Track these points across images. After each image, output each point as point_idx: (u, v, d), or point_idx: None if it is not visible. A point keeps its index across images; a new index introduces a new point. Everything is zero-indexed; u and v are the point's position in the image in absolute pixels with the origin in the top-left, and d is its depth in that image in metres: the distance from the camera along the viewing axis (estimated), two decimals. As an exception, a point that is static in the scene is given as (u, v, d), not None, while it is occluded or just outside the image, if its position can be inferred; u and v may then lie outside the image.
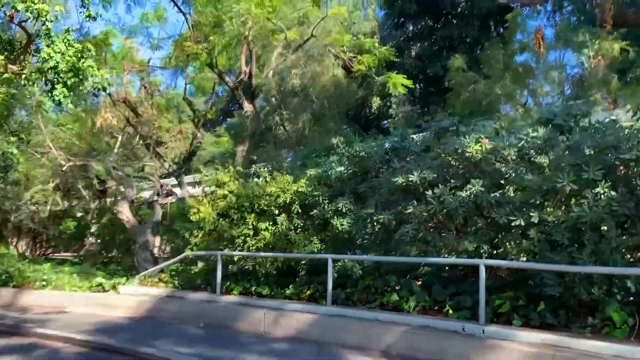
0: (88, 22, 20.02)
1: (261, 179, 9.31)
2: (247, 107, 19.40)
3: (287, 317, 6.82)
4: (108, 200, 15.38)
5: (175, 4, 18.98)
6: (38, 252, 20.58)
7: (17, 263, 11.90)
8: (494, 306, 5.77)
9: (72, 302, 9.30)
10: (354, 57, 15.85)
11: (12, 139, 15.00)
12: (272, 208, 7.94)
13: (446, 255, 6.60)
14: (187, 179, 16.83)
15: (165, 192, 14.37)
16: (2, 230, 17.60)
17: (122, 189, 13.39)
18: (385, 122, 28.15)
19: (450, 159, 6.23)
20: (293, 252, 7.66)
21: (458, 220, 5.93)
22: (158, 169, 18.14)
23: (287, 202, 7.83)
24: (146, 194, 16.73)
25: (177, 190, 16.27)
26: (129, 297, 8.88)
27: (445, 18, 27.80)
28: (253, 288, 8.08)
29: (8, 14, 15.45)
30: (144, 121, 19.17)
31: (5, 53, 16.75)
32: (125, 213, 12.10)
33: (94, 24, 29.66)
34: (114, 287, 9.69)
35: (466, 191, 5.88)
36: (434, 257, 6.28)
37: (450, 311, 6.05)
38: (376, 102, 26.15)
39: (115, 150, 16.14)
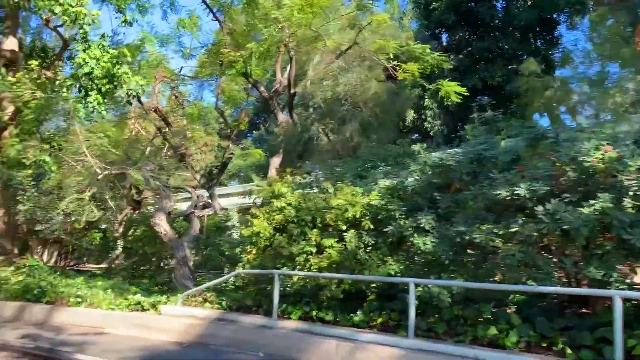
0: (123, 28, 19.56)
1: (314, 189, 8.50)
2: (282, 118, 18.70)
3: (364, 350, 5.90)
4: (139, 211, 14.68)
5: (211, 11, 18.50)
6: (63, 264, 19.99)
7: (49, 276, 11.21)
8: (627, 347, 4.81)
9: (110, 322, 8.50)
10: (398, 65, 15.06)
11: (45, 146, 14.46)
12: (339, 223, 7.08)
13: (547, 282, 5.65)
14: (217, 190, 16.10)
15: (202, 204, 13.64)
16: (28, 241, 17.01)
17: (159, 199, 12.66)
18: (416, 135, 27.26)
19: (567, 169, 5.31)
20: (363, 273, 6.76)
21: (579, 241, 5.00)
22: (189, 180, 17.48)
23: (357, 216, 6.97)
24: (177, 206, 16.03)
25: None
26: (173, 319, 8.06)
27: (483, 29, 26.98)
28: (314, 313, 7.19)
29: (44, 17, 15.05)
30: (175, 132, 18.60)
31: (39, 60, 16.34)
32: (162, 225, 11.34)
33: (126, 31, 29.35)
34: (154, 306, 8.90)
35: (589, 207, 4.95)
36: (546, 286, 5.31)
37: (568, 350, 5.09)
38: (410, 114, 25.33)
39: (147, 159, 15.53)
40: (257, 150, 22.09)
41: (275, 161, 19.50)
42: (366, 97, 15.05)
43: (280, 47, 16.95)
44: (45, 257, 19.38)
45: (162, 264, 14.26)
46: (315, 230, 7.32)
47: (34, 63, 14.64)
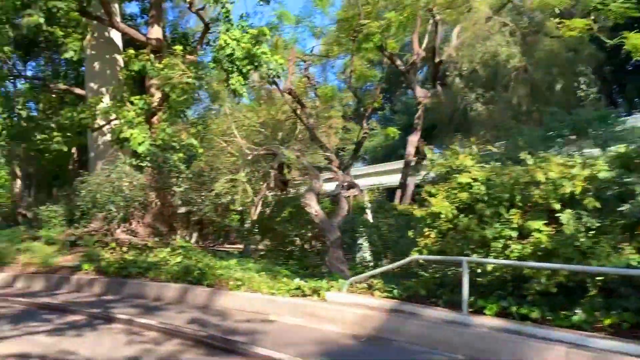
0: (260, 7, 19.11)
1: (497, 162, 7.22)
2: (420, 92, 17.49)
3: (608, 362, 4.63)
4: (285, 192, 14.39)
5: (344, -18, 17.71)
6: (204, 245, 20.67)
7: (204, 258, 11.20)
8: None
9: (273, 308, 8.01)
10: (561, 22, 13.04)
11: (192, 130, 14.70)
12: (551, 201, 5.78)
13: None
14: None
15: (347, 184, 12.96)
16: (172, 222, 17.66)
17: (308, 180, 12.19)
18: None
19: None
20: (587, 263, 5.43)
21: None
22: (326, 161, 17.02)
23: (576, 193, 5.62)
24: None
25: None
26: (341, 308, 7.31)
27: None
28: (514, 308, 6.00)
29: (188, 0, 15.21)
30: (309, 113, 18.18)
31: (181, 46, 16.65)
32: (314, 206, 10.77)
33: (262, 10, 29.98)
34: (315, 292, 8.26)
35: None
36: None
37: None
38: (560, 82, 22.54)
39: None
40: (390, 128, 20.97)
41: (413, 139, 18.34)
42: (531, 60, 13.21)
43: (419, 15, 15.73)
44: (186, 238, 20.19)
45: (307, 246, 13.84)
46: (514, 210, 6.09)
47: (178, 48, 14.87)
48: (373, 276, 8.05)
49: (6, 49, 14.56)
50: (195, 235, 20.21)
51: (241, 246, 19.25)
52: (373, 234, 11.49)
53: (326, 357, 5.57)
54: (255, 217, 16.84)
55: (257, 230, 16.75)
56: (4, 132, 13.87)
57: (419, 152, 18.53)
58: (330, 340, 6.29)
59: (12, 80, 18.04)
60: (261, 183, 16.83)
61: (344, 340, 6.35)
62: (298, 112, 17.69)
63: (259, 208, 16.83)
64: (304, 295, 8.31)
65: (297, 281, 8.66)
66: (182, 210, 15.83)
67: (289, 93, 17.74)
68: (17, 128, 14.23)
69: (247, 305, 8.37)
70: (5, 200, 17.44)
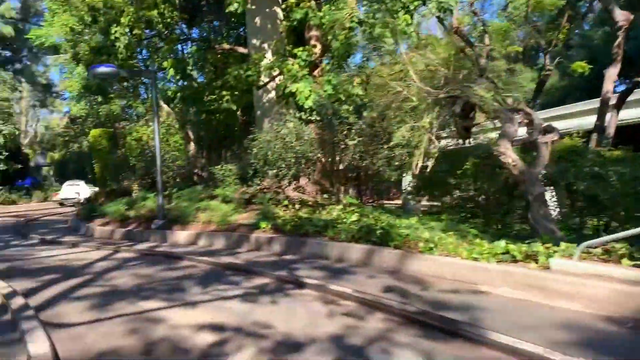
0: None
1: None
2: (620, 15, 14.40)
3: None
4: (467, 141, 12.78)
5: None
6: (363, 201, 19.93)
7: (381, 215, 10.30)
8: None
9: (482, 276, 6.73)
10: None
11: (357, 79, 13.73)
12: None
13: None
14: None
15: (542, 128, 10.96)
16: (335, 178, 17.07)
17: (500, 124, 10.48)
18: None
19: None
20: None
21: None
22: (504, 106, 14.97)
23: None
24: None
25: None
26: (575, 279, 5.77)
27: None
28: None
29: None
30: (479, 53, 16.03)
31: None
32: (509, 155, 9.14)
33: None
34: (528, 257, 6.84)
35: None
36: None
37: None
38: None
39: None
40: (578, 63, 17.88)
41: (612, 72, 15.42)
42: None
43: None
44: (343, 194, 19.60)
45: (492, 202, 12.18)
46: None
47: (340, -9, 13.82)
48: (614, 240, 6.31)
49: (175, 13, 14.82)
50: (352, 191, 19.56)
51: (399, 202, 18.24)
52: (586, 187, 9.44)
53: (595, 350, 4.16)
54: (417, 172, 15.55)
55: (420, 184, 15.45)
56: (178, 94, 14.23)
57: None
58: (581, 324, 4.84)
59: (181, 45, 18.71)
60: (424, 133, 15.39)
61: (599, 324, 4.85)
62: (466, 51, 15.80)
63: (421, 161, 15.48)
64: (515, 261, 6.93)
65: (504, 244, 7.26)
66: (341, 166, 15.14)
67: (455, 32, 15.83)
68: (189, 90, 14.51)
69: (446, 272, 7.21)
70: (182, 162, 18.40)
